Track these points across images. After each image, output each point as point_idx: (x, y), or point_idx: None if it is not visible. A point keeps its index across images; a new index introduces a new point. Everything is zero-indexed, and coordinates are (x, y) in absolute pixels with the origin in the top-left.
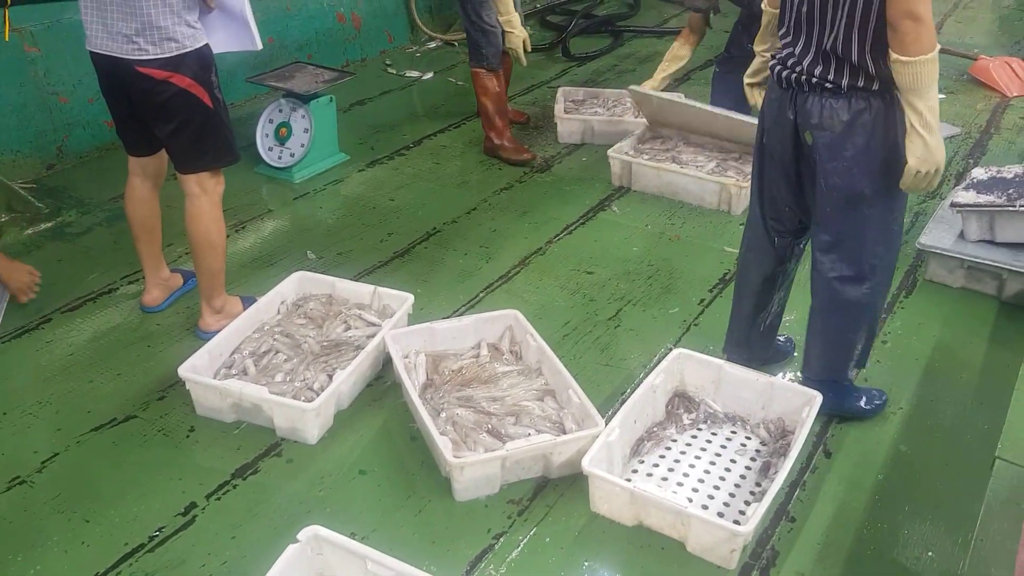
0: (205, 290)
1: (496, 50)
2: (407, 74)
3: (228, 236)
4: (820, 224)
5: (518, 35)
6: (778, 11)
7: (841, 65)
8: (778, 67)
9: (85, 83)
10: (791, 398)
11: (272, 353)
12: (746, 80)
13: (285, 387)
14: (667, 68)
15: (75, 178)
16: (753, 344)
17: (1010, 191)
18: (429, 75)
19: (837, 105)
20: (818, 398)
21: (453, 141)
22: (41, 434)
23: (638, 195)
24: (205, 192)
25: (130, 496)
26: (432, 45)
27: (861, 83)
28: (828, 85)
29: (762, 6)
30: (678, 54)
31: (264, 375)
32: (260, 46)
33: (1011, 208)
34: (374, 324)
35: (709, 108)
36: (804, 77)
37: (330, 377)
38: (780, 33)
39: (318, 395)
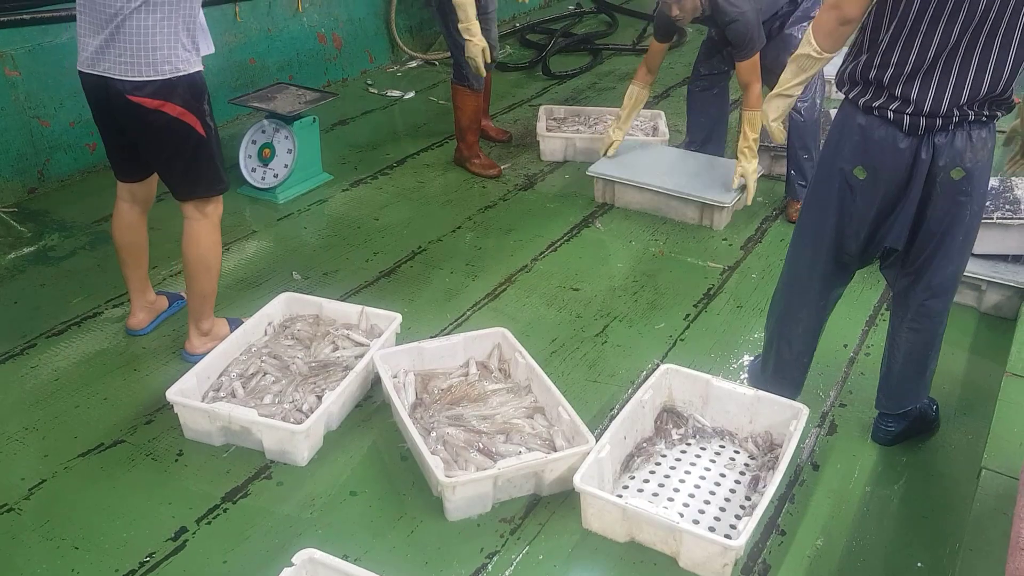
0: (195, 312)
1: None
2: (388, 93)
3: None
4: (940, 256)
5: (476, 43)
6: (831, 56)
7: (995, 95)
8: (903, 111)
9: (67, 106)
10: (778, 411)
11: (260, 375)
12: (774, 121)
13: (274, 409)
14: (630, 115)
15: (57, 202)
16: (802, 376)
17: (988, 204)
18: (411, 94)
19: (985, 135)
20: (804, 411)
21: (436, 159)
22: (27, 460)
23: (621, 211)
24: (205, 216)
25: (119, 522)
26: (413, 65)
27: (999, 111)
28: (983, 118)
29: (811, 52)
30: (639, 98)
31: (253, 397)
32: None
33: (988, 220)
34: (362, 344)
35: (663, 190)
36: (956, 116)
37: (319, 398)
38: (895, 71)
39: (307, 416)
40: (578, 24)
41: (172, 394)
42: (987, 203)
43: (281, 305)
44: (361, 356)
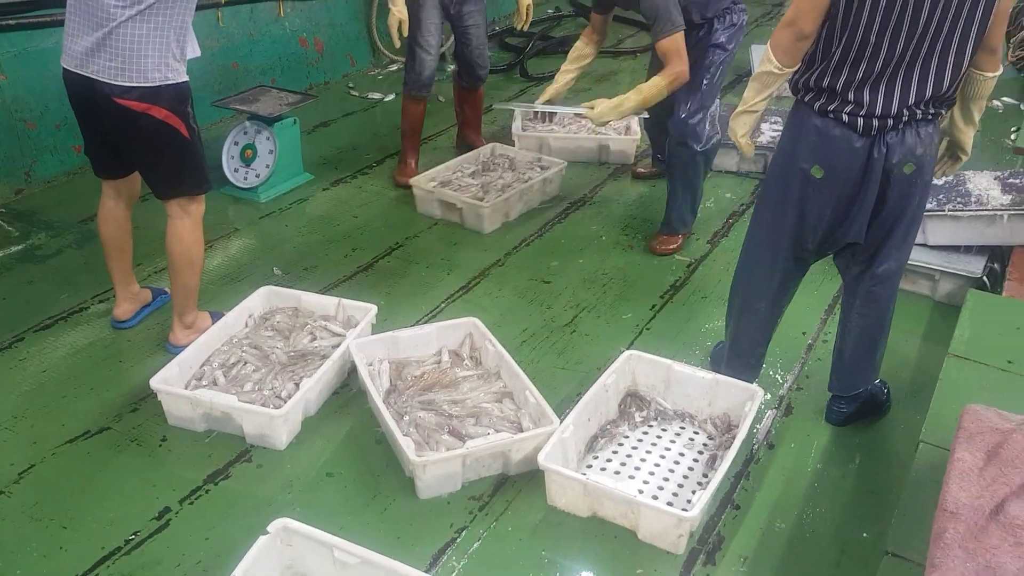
0: (178, 305)
1: (416, 76)
2: (369, 96)
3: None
4: (889, 244)
5: (395, 14)
6: (792, 70)
7: (939, 95)
8: (857, 113)
9: (52, 109)
10: (735, 394)
11: (241, 364)
12: (742, 137)
13: (254, 396)
14: (569, 69)
15: (43, 202)
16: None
17: (940, 196)
18: (391, 96)
19: (931, 130)
20: (759, 392)
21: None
22: (17, 447)
23: (594, 207)
24: (187, 214)
25: (106, 503)
26: (393, 68)
27: (943, 108)
28: (930, 116)
29: (772, 69)
30: (582, 53)
31: (234, 385)
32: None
33: (941, 213)
34: (339, 334)
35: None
36: (905, 115)
37: (297, 385)
38: (848, 77)
39: (286, 403)
40: (556, 27)
41: (156, 382)
42: (940, 196)
43: (261, 298)
44: (338, 346)
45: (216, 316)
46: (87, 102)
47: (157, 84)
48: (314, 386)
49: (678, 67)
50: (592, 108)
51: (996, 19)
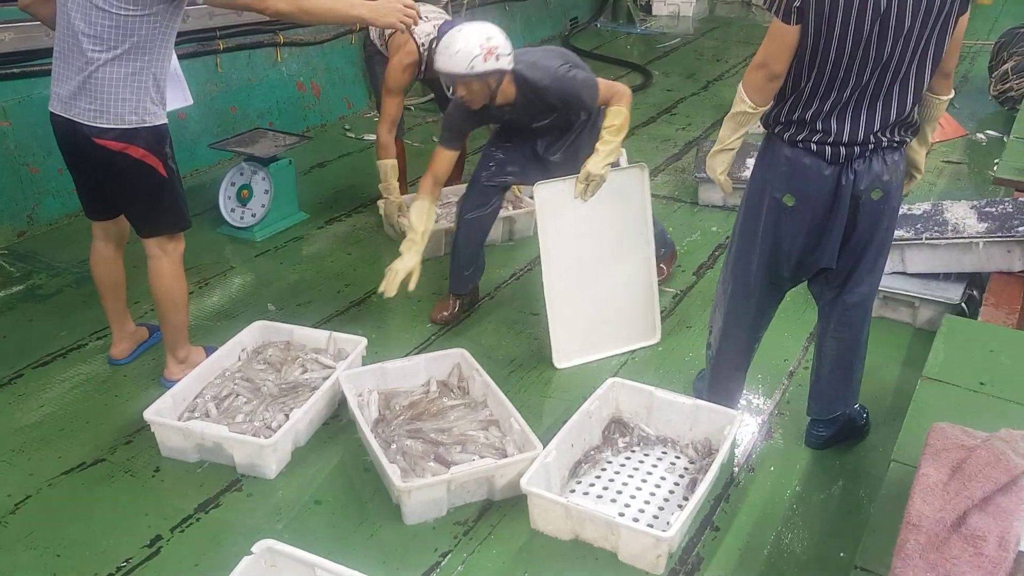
0: (170, 342)
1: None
2: (365, 137)
3: (192, 292)
4: (860, 269)
5: (392, 201)
6: (765, 108)
7: (903, 123)
8: (825, 142)
9: (55, 154)
10: (715, 419)
11: (233, 396)
12: (721, 175)
13: (245, 427)
14: (424, 236)
15: (45, 244)
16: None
17: (918, 225)
18: None
19: (897, 158)
20: (738, 417)
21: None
22: (15, 479)
23: None
24: (166, 253)
25: (99, 532)
26: None
27: (907, 135)
28: (895, 142)
29: (746, 109)
30: (430, 214)
31: (225, 416)
32: (191, 101)
33: (919, 241)
34: (329, 367)
35: None
36: (871, 143)
37: (287, 416)
38: (816, 108)
39: (276, 433)
40: None
41: (149, 414)
42: (918, 224)
43: (254, 333)
44: (327, 378)
45: (210, 350)
46: (72, 144)
47: (134, 126)
48: (303, 416)
49: (621, 91)
50: (587, 170)
51: (950, 47)
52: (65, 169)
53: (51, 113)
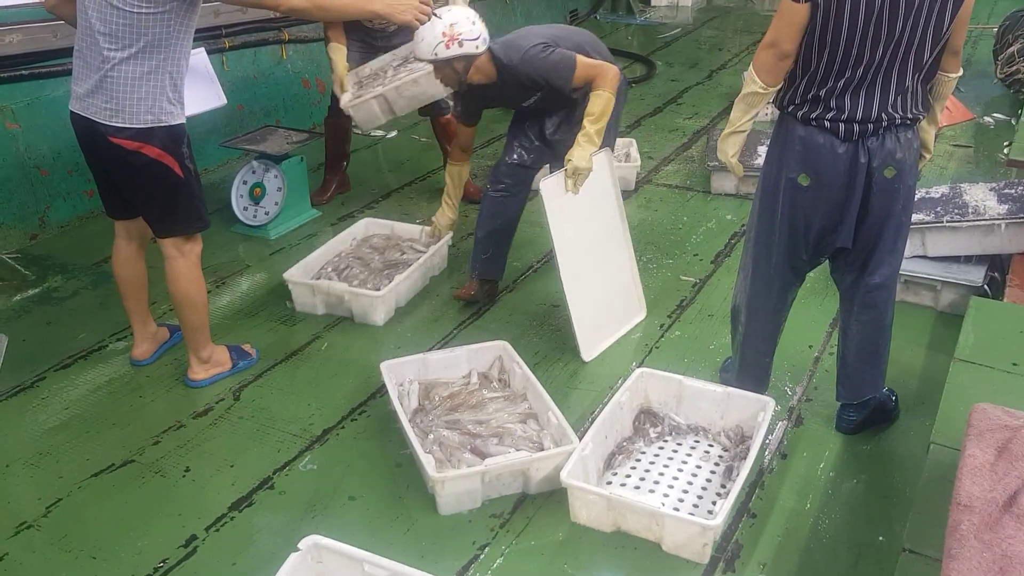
0: (191, 343)
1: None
2: (373, 133)
3: (210, 291)
4: (880, 250)
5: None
6: (775, 88)
7: (916, 99)
8: (839, 119)
9: (64, 156)
10: (746, 406)
11: (348, 268)
12: (733, 157)
13: (359, 287)
14: (457, 194)
15: (58, 246)
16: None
17: (937, 209)
18: (393, 133)
19: (910, 136)
20: (771, 403)
21: (419, 193)
22: (44, 482)
23: None
24: (182, 254)
25: (133, 533)
26: None
27: (920, 112)
28: (908, 120)
29: (757, 89)
30: (462, 176)
31: (344, 281)
32: (225, 101)
33: (939, 224)
34: (420, 251)
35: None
36: (884, 120)
37: (390, 280)
38: (830, 87)
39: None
40: None
41: (288, 274)
42: (938, 208)
43: (362, 227)
44: (419, 257)
45: (233, 350)
46: (90, 143)
47: (149, 125)
48: (404, 281)
49: (604, 71)
50: (573, 164)
51: (958, 24)
52: (76, 170)
53: (71, 111)
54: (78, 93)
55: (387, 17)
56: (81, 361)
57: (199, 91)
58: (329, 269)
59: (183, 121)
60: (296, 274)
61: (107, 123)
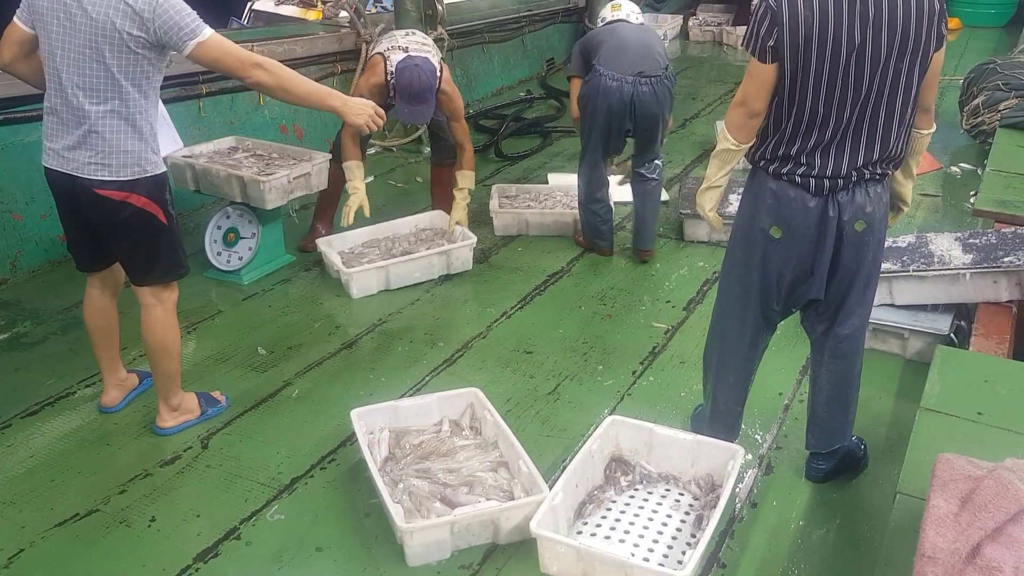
0: (162, 391)
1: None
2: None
3: (181, 337)
4: (850, 301)
5: (354, 199)
6: (748, 145)
7: (886, 156)
8: (809, 175)
9: (38, 200)
10: (716, 454)
11: (389, 248)
12: (710, 211)
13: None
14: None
15: (29, 291)
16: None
17: (904, 258)
18: (370, 179)
19: (880, 190)
20: (740, 451)
21: None
22: (6, 532)
23: (571, 279)
24: (160, 302)
25: None
26: (372, 151)
27: (889, 168)
28: (877, 175)
29: (729, 146)
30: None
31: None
32: (181, 144)
33: (906, 273)
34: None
35: None
36: (854, 176)
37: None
38: (800, 145)
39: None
40: (529, 109)
41: (320, 243)
42: (904, 257)
43: (427, 218)
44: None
45: (202, 396)
46: (69, 198)
47: (136, 176)
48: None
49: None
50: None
51: (928, 82)
52: (49, 215)
53: (46, 168)
54: (55, 149)
55: (341, 115)
56: (48, 408)
57: (162, 137)
58: (367, 247)
59: (165, 169)
60: (334, 243)
61: (92, 177)
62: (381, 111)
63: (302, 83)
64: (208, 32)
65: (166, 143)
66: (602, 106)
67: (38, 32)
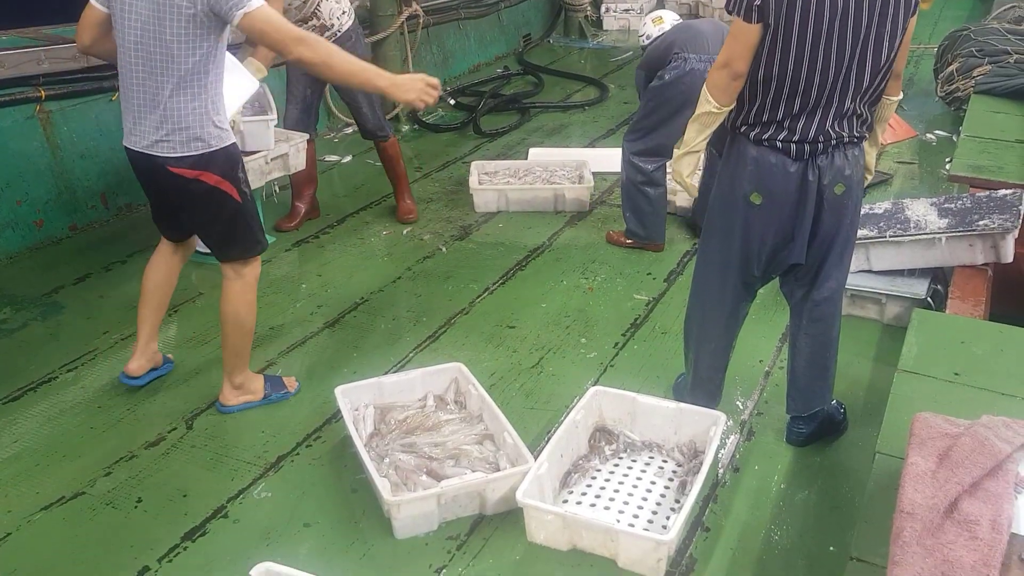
0: (228, 366)
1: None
2: (326, 158)
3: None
4: (828, 264)
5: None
6: (729, 108)
7: (862, 119)
8: (790, 140)
9: (13, 186)
10: (699, 421)
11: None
12: (688, 177)
13: None
14: None
15: (6, 277)
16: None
17: (881, 224)
18: (348, 158)
19: (857, 152)
20: (722, 417)
21: (375, 217)
22: None
23: (552, 253)
24: (240, 276)
25: (84, 566)
26: (349, 131)
27: (864, 130)
28: (855, 138)
29: (711, 109)
30: None
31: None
32: (257, 84)
33: (882, 239)
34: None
35: None
36: (833, 139)
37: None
38: (782, 109)
39: None
40: (506, 85)
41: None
42: (880, 223)
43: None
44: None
45: (270, 380)
46: (148, 176)
47: (204, 151)
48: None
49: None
50: None
51: (901, 48)
52: (25, 201)
53: (127, 149)
54: (131, 130)
55: (389, 95)
56: (31, 393)
57: (232, 85)
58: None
59: (234, 141)
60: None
61: (164, 155)
62: (435, 81)
63: (346, 61)
64: (256, 4)
65: (241, 88)
66: (688, 86)
67: (111, 10)
